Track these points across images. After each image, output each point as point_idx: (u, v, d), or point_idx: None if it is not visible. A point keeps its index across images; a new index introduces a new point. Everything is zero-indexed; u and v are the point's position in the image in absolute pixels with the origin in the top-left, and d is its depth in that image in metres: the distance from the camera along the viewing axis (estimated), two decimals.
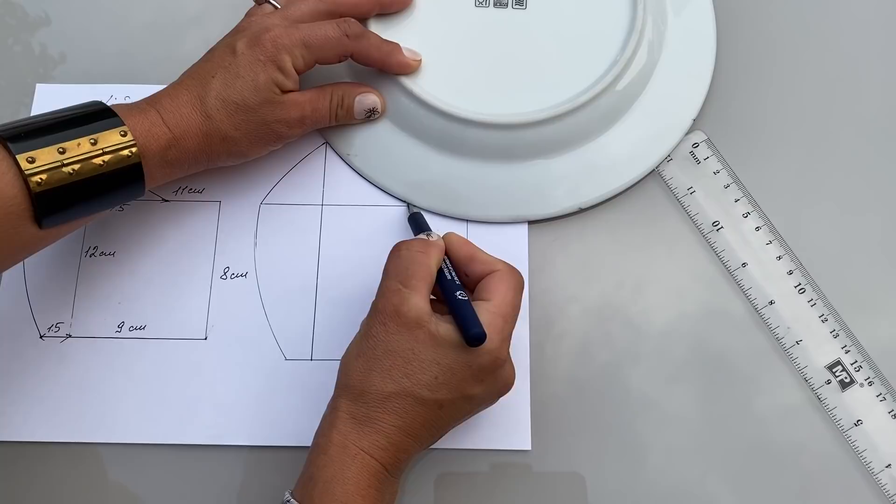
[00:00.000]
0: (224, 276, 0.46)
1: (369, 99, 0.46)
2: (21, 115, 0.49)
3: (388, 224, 0.47)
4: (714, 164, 0.48)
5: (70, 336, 0.45)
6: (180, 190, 0.48)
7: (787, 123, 0.49)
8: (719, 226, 0.47)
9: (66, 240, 0.47)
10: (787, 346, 0.45)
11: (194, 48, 0.46)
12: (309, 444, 0.40)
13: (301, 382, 0.44)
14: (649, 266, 0.47)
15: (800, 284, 0.46)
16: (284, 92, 0.43)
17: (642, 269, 0.47)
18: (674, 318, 0.46)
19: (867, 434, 0.43)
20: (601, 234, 0.47)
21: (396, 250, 0.41)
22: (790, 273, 0.46)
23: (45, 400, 0.44)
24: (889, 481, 0.43)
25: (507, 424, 0.44)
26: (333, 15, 0.45)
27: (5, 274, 0.46)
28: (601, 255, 0.47)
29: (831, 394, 0.44)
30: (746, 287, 0.46)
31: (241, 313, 0.46)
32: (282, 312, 0.46)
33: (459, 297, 0.39)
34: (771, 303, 0.45)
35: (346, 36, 0.44)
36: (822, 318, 0.45)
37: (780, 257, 0.46)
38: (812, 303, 0.45)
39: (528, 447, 0.43)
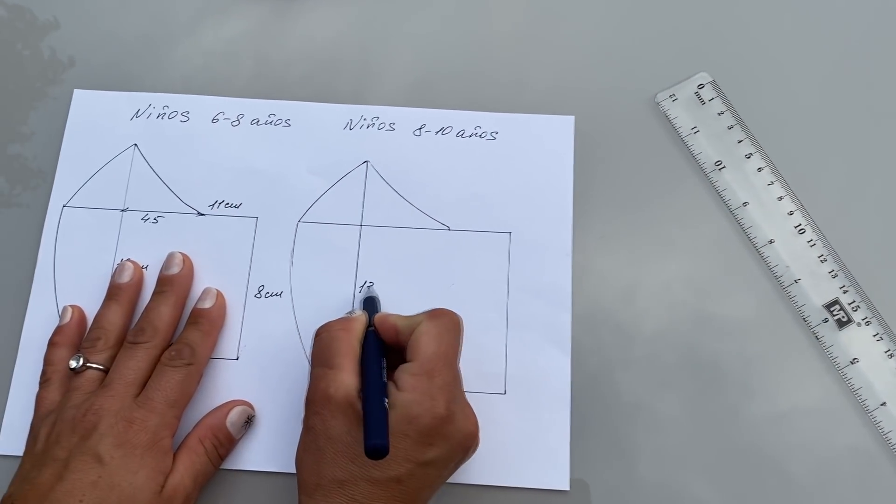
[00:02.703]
0: (258, 295, 0.45)
1: (237, 414, 0.42)
2: (31, 120, 0.49)
3: (428, 247, 0.46)
4: (718, 105, 0.48)
5: None
6: (216, 204, 0.47)
7: (795, 67, 0.49)
8: (721, 165, 0.47)
9: (99, 251, 0.46)
10: (786, 284, 0.45)
11: (207, 47, 0.48)
12: None
13: None
14: (651, 204, 0.47)
15: (800, 225, 0.46)
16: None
17: (644, 207, 0.47)
18: (672, 248, 0.46)
19: (863, 373, 0.43)
20: (602, 171, 0.48)
21: (317, 334, 0.40)
22: (791, 214, 0.46)
23: None
24: (885, 419, 0.43)
25: (542, 462, 0.42)
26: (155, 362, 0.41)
27: (35, 283, 0.45)
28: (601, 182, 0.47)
29: (828, 332, 0.44)
30: (747, 226, 0.46)
31: (274, 334, 0.44)
32: None
33: (371, 394, 0.37)
34: (770, 242, 0.46)
35: (189, 364, 0.41)
36: (822, 258, 0.45)
37: (781, 198, 0.46)
38: (812, 243, 0.46)
39: (567, 487, 0.42)
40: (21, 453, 0.41)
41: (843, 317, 0.45)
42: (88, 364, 0.41)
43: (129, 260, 0.45)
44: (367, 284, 0.45)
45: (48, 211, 0.47)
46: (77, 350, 0.42)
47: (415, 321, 0.40)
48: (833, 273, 0.45)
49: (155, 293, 0.44)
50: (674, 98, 0.49)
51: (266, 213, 0.47)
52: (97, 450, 0.37)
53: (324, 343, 0.40)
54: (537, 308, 0.45)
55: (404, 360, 0.39)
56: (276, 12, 0.51)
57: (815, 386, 0.44)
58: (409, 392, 0.37)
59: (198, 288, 0.45)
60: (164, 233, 0.46)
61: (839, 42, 0.50)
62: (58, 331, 0.43)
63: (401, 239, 0.46)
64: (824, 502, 0.42)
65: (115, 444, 0.38)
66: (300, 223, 0.46)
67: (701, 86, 0.49)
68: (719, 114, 0.48)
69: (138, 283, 0.45)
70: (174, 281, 0.44)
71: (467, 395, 0.42)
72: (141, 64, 0.50)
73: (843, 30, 0.50)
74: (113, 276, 0.45)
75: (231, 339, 0.44)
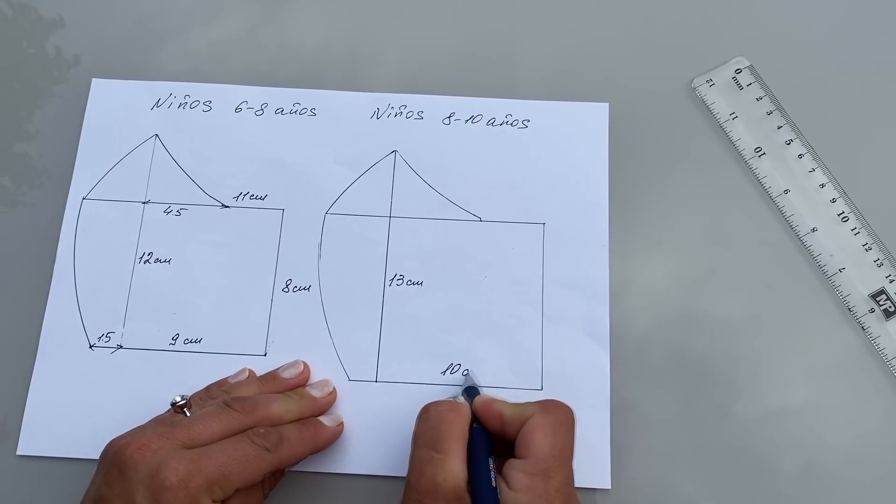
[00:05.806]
0: (286, 289, 0.44)
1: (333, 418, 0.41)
2: (36, 119, 0.48)
3: (460, 239, 0.44)
4: (756, 90, 0.47)
5: (121, 347, 0.43)
6: (241, 196, 0.45)
7: (833, 50, 0.48)
8: (761, 152, 0.46)
9: (120, 245, 0.44)
10: (830, 273, 0.44)
11: (211, 41, 0.47)
12: (373, 472, 0.40)
13: (365, 405, 0.42)
14: (690, 192, 0.45)
15: (843, 213, 0.45)
16: None
17: (682, 195, 0.45)
18: (712, 237, 0.45)
19: None
20: (637, 159, 0.46)
21: (425, 412, 0.37)
22: (833, 201, 0.45)
23: (93, 414, 0.42)
24: None
25: (582, 460, 0.41)
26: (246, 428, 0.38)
27: (55, 278, 0.44)
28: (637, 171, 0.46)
29: (874, 323, 0.43)
30: (788, 214, 0.45)
31: (303, 329, 0.43)
32: (346, 330, 0.43)
33: (484, 498, 0.35)
34: (813, 230, 0.44)
35: (267, 449, 0.37)
36: (866, 246, 0.44)
37: (823, 185, 0.45)
38: (855, 231, 0.44)
39: (608, 486, 0.41)
40: (42, 454, 0.40)
41: (889, 307, 0.43)
42: (185, 412, 0.38)
43: (304, 362, 0.42)
44: (464, 373, 0.42)
45: (67, 203, 0.45)
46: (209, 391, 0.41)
47: (525, 412, 0.37)
48: (878, 262, 0.44)
49: (283, 394, 0.40)
50: (711, 83, 0.47)
51: (292, 204, 0.45)
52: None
53: (433, 423, 0.37)
54: (574, 301, 0.43)
55: (508, 448, 0.37)
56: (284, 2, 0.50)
57: (862, 377, 0.42)
58: (523, 493, 0.34)
59: (230, 279, 0.44)
60: (187, 225, 0.45)
61: (880, 25, 0.49)
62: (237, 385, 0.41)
63: (431, 230, 0.45)
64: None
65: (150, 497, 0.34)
66: (328, 215, 0.45)
67: (738, 70, 0.47)
68: (758, 99, 0.47)
69: (297, 384, 0.42)
70: (305, 395, 0.41)
71: (503, 392, 0.41)
72: (150, 59, 0.49)
73: (884, 12, 0.49)
74: (281, 367, 0.42)
75: (258, 335, 0.43)
